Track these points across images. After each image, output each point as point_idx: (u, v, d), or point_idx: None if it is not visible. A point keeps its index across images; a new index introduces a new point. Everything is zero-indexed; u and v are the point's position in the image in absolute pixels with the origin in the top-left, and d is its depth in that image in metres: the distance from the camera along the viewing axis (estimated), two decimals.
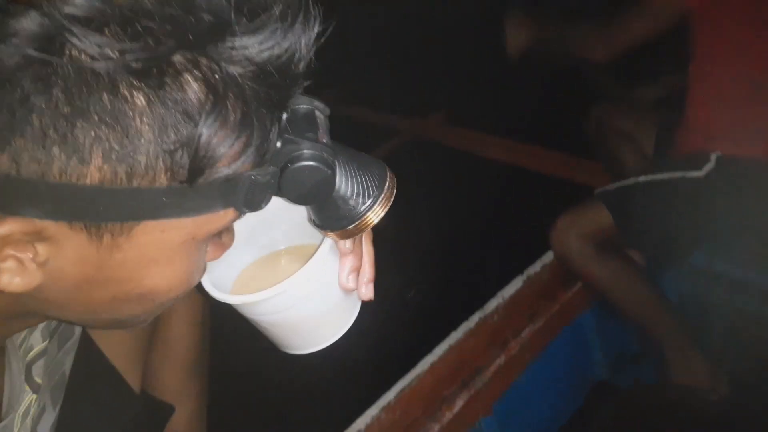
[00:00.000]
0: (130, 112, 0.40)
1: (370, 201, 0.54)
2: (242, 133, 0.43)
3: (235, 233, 0.59)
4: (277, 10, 0.42)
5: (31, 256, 0.45)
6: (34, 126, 0.39)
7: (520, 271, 1.60)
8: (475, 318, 1.49)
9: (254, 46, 0.41)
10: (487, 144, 2.43)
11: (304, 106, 0.51)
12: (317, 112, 0.52)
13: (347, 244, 0.59)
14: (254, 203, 0.48)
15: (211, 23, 0.40)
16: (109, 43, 0.38)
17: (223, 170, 0.44)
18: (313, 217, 0.57)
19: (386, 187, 0.55)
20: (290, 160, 0.48)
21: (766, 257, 1.61)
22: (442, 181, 2.27)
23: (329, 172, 0.50)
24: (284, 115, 0.49)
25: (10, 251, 0.44)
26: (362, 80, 2.78)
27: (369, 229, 0.57)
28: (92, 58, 0.39)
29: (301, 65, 0.45)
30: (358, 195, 0.54)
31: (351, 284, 0.60)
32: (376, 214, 0.55)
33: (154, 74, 0.40)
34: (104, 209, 0.43)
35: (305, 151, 0.49)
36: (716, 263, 1.70)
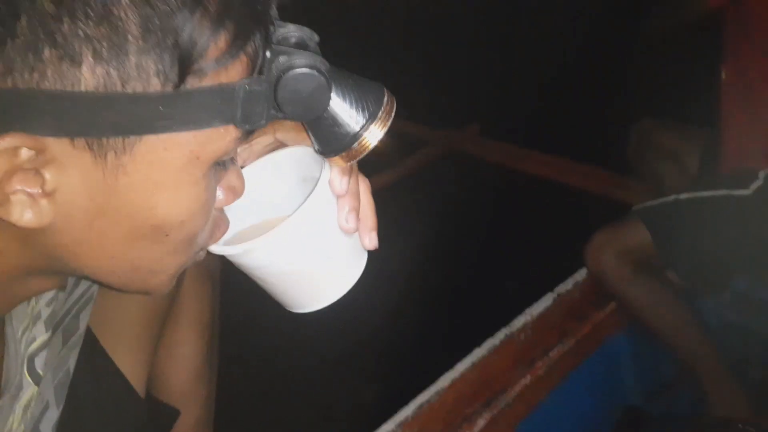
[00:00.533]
0: (115, 9, 0.40)
1: (368, 117, 0.53)
2: (223, 25, 0.43)
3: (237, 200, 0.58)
4: None
5: (39, 188, 0.45)
6: (23, 29, 0.40)
7: (551, 289, 1.55)
8: (500, 335, 1.44)
9: None
10: (523, 157, 2.39)
11: (294, 32, 0.52)
12: (305, 36, 0.52)
13: (342, 184, 0.58)
14: (253, 117, 0.48)
15: None
16: None
17: (214, 77, 0.45)
18: (315, 145, 0.56)
19: (384, 103, 0.55)
20: (284, 69, 0.48)
21: None
22: (475, 194, 2.24)
23: (324, 79, 0.50)
24: (271, 30, 0.49)
25: (18, 184, 0.44)
26: (398, 90, 2.75)
27: (366, 157, 0.57)
28: None
29: None
30: (356, 111, 0.53)
31: (351, 224, 0.59)
32: (375, 131, 0.54)
33: None
34: (104, 120, 0.43)
35: (298, 59, 0.49)
36: (759, 288, 1.63)
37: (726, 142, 1.58)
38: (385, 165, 2.43)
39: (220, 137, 0.47)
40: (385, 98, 0.55)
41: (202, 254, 0.59)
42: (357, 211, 0.60)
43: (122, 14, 0.41)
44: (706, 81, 1.67)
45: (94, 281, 0.67)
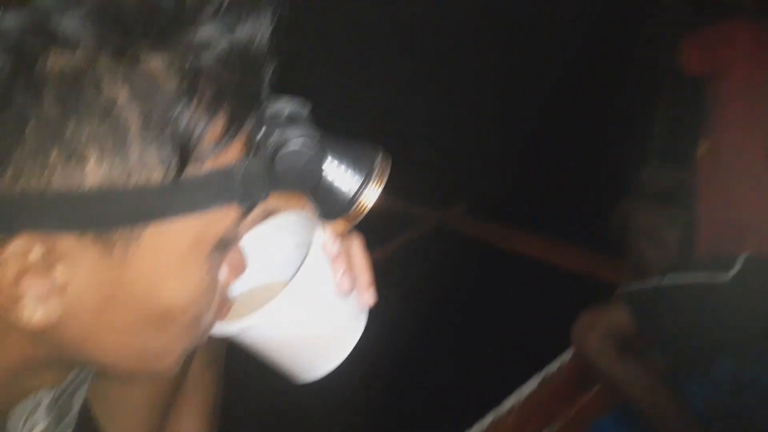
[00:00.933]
0: (116, 106, 0.42)
1: (363, 179, 0.55)
2: (219, 111, 0.45)
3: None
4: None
5: (49, 286, 0.45)
6: (30, 134, 0.42)
7: (538, 370, 1.55)
8: (489, 418, 1.44)
9: (218, 34, 0.45)
10: (509, 237, 2.42)
11: (284, 104, 0.54)
12: (298, 107, 0.54)
13: (334, 247, 0.59)
14: (253, 194, 0.49)
15: (176, 15, 0.44)
16: (86, 28, 0.41)
17: (213, 160, 0.46)
18: (317, 210, 0.58)
19: (378, 163, 0.56)
20: (279, 145, 0.51)
21: None
22: (462, 272, 2.25)
23: (317, 150, 0.52)
24: (263, 107, 0.51)
25: (28, 284, 0.45)
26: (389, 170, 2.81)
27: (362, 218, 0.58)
28: (72, 46, 0.42)
29: (264, 49, 0.47)
30: (351, 174, 0.55)
31: (346, 285, 0.59)
32: (372, 192, 0.55)
33: (130, 63, 0.43)
34: (110, 213, 0.44)
35: (292, 134, 0.51)
36: (745, 371, 1.64)
37: (701, 226, 1.61)
38: (373, 243, 2.45)
39: (222, 218, 0.48)
40: (379, 158, 0.57)
41: (205, 337, 0.59)
42: (351, 271, 0.60)
43: (124, 111, 0.42)
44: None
45: (99, 372, 0.66)
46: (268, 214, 0.65)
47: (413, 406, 1.73)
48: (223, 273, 0.55)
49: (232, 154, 0.47)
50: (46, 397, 0.69)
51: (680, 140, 1.91)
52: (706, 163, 1.61)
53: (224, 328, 0.57)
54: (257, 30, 0.46)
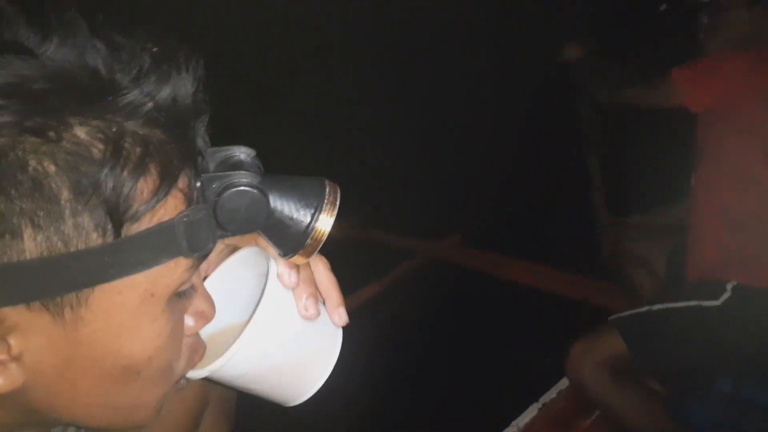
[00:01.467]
0: (44, 180, 0.43)
1: (313, 211, 0.56)
2: (147, 170, 0.46)
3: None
4: (150, 62, 0.47)
5: (6, 355, 0.46)
6: None
7: (536, 398, 1.56)
8: None
9: (140, 99, 0.46)
10: (503, 266, 2.44)
11: (230, 153, 0.56)
12: (242, 155, 0.56)
13: (291, 277, 0.60)
14: (198, 245, 0.50)
15: (93, 86, 0.45)
16: (7, 105, 0.43)
17: (151, 218, 0.47)
18: (275, 249, 0.59)
19: (327, 194, 0.57)
20: (218, 193, 0.52)
21: None
22: (458, 303, 2.27)
23: (257, 191, 0.53)
24: (201, 159, 0.52)
25: None
26: (380, 204, 2.86)
27: (321, 247, 0.59)
28: None
29: (189, 106, 0.49)
30: (300, 209, 0.56)
31: (311, 311, 0.60)
32: (324, 223, 0.56)
33: (52, 137, 0.44)
34: (53, 281, 0.45)
35: (230, 180, 0.52)
36: (743, 389, 1.64)
37: (691, 255, 1.63)
38: (370, 276, 2.47)
39: (171, 271, 0.49)
40: (327, 189, 0.58)
41: (184, 382, 0.60)
42: (315, 296, 0.61)
43: (52, 184, 0.43)
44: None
45: (78, 427, 0.66)
46: (231, 250, 0.66)
47: None
48: (189, 321, 0.56)
49: (171, 208, 0.48)
50: None
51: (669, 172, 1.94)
52: (696, 196, 1.62)
53: (196, 372, 0.58)
54: (179, 89, 0.48)
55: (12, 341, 0.46)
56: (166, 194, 0.47)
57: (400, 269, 2.58)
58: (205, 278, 0.64)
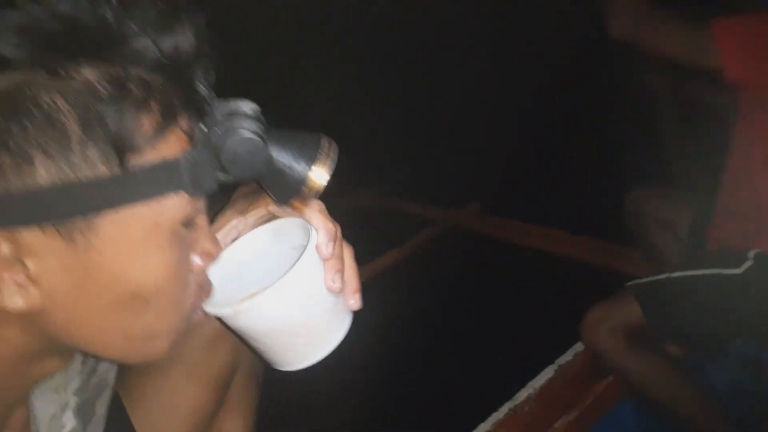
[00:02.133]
0: (56, 114, 0.48)
1: (310, 162, 0.60)
2: (148, 106, 0.51)
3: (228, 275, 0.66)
4: (155, 14, 0.51)
5: (23, 276, 0.51)
6: None
7: (552, 361, 1.57)
8: (504, 409, 1.46)
9: (144, 46, 0.51)
10: (523, 232, 2.44)
11: (232, 104, 0.59)
12: (247, 108, 0.60)
13: (329, 248, 0.63)
14: (201, 183, 0.54)
15: (101, 31, 0.50)
16: (18, 49, 0.48)
17: (155, 154, 0.51)
18: (272, 197, 0.63)
19: (322, 147, 0.61)
20: (223, 137, 0.56)
21: None
22: (477, 269, 2.28)
23: (259, 140, 0.57)
24: (208, 106, 0.56)
25: (4, 274, 0.50)
26: (400, 173, 2.87)
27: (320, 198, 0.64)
28: (7, 67, 0.48)
29: (190, 54, 0.53)
30: (298, 160, 0.60)
31: (337, 284, 0.64)
32: (319, 173, 0.60)
33: (63, 75, 0.48)
34: (63, 206, 0.49)
35: (235, 127, 0.56)
36: (764, 352, 1.64)
37: (716, 221, 1.61)
38: (391, 245, 2.50)
39: (175, 204, 0.53)
40: (323, 142, 0.62)
41: (196, 317, 0.63)
42: (342, 273, 0.65)
43: (63, 117, 0.48)
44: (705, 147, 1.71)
45: (96, 357, 0.70)
46: (270, 218, 0.69)
47: (431, 398, 1.77)
48: (196, 259, 0.60)
49: (174, 147, 0.52)
50: (72, 400, 0.74)
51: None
52: (728, 171, 1.59)
53: (219, 310, 0.62)
54: (181, 40, 0.52)
55: (29, 263, 0.51)
56: (166, 131, 0.52)
57: (420, 237, 2.59)
58: (236, 238, 0.69)
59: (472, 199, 2.81)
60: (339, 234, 0.65)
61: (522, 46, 3.56)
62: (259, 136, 0.57)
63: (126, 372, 0.86)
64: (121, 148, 0.50)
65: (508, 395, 1.49)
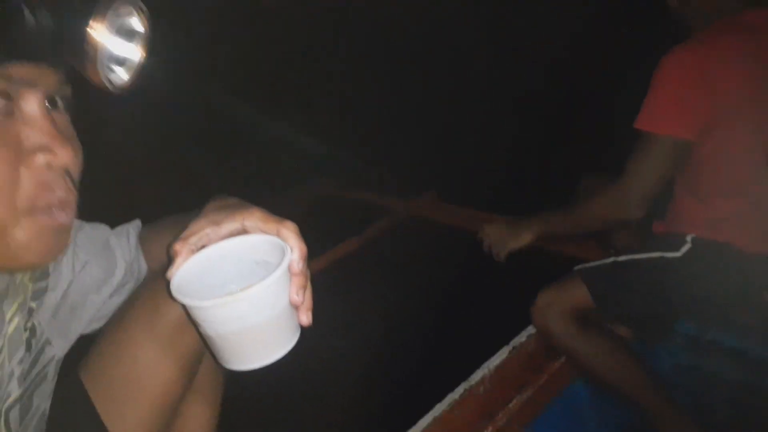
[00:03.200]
0: None
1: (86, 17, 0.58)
2: None
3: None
4: None
5: None
6: None
7: (506, 342, 1.61)
8: (460, 389, 1.49)
9: None
10: (477, 219, 2.47)
11: None
12: None
13: (300, 265, 0.70)
14: None
15: None
16: None
17: None
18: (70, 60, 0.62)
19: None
20: None
21: (754, 328, 1.62)
22: (433, 255, 2.32)
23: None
24: None
25: None
26: (359, 162, 2.89)
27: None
28: None
29: None
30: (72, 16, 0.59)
31: (299, 298, 0.70)
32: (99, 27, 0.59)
33: None
34: None
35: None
36: (706, 333, 1.71)
37: (672, 210, 1.68)
38: (350, 233, 2.51)
39: None
40: None
41: (51, 219, 0.64)
42: (305, 289, 0.71)
43: None
44: None
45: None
46: (242, 231, 0.73)
47: (389, 380, 1.80)
48: (40, 157, 0.61)
49: None
50: (16, 369, 0.75)
51: None
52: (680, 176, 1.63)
53: (198, 302, 0.66)
54: None
55: None
56: None
57: (377, 225, 2.62)
58: (203, 247, 0.73)
59: (428, 188, 2.84)
60: (307, 254, 0.71)
61: (481, 37, 3.60)
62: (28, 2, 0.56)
63: (91, 358, 0.86)
64: None
65: (465, 376, 1.52)
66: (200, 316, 0.68)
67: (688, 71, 1.48)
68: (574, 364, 1.62)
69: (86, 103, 0.70)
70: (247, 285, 0.66)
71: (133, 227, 0.97)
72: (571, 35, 3.16)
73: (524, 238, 1.77)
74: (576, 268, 1.62)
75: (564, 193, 2.07)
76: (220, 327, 0.67)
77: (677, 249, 1.57)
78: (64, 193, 0.65)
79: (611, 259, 1.61)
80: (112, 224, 0.96)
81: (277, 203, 2.74)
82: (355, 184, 2.93)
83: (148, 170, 2.68)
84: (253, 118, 3.08)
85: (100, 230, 0.93)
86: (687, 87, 1.48)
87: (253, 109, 3.15)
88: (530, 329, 1.65)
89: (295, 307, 0.71)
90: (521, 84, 3.25)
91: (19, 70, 0.59)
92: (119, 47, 0.62)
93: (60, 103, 0.66)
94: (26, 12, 0.55)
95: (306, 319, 0.72)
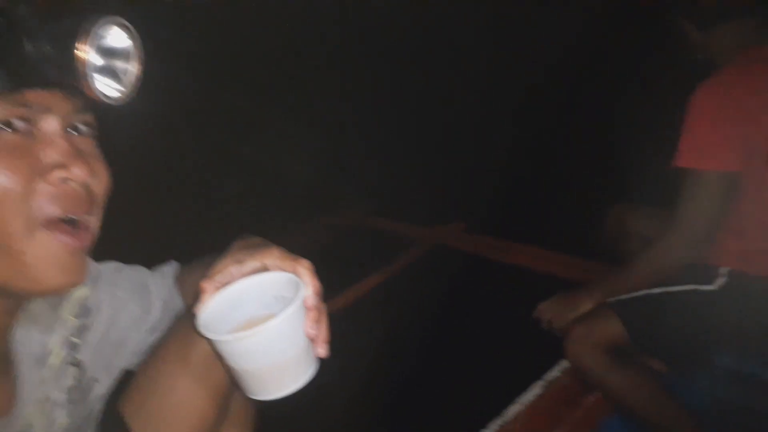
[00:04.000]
0: None
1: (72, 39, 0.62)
2: None
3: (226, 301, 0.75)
4: None
5: None
6: None
7: (539, 377, 1.59)
8: (494, 426, 1.48)
9: None
10: (506, 250, 2.47)
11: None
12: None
13: (314, 300, 0.74)
14: None
15: None
16: None
17: None
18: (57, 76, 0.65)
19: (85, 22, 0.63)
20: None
21: None
22: (462, 287, 2.30)
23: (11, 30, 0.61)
24: None
25: None
26: (383, 193, 2.90)
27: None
28: None
29: None
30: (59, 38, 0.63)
31: (314, 331, 0.73)
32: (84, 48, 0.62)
33: None
34: None
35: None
36: (744, 366, 1.67)
37: None
38: (376, 265, 2.52)
39: None
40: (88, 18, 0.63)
41: (76, 236, 0.67)
42: (319, 323, 0.74)
43: None
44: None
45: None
46: (263, 269, 0.78)
47: (421, 417, 1.78)
48: (58, 172, 0.65)
49: None
50: (62, 397, 0.80)
51: None
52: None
53: (221, 336, 0.71)
54: None
55: None
56: None
57: (405, 257, 2.61)
58: (228, 284, 0.77)
59: (456, 218, 2.84)
60: (321, 291, 0.75)
61: (506, 66, 3.62)
62: (29, 33, 0.61)
63: (130, 391, 0.89)
64: None
65: (497, 412, 1.50)
66: (223, 350, 0.72)
67: (723, 102, 1.47)
68: (609, 397, 1.59)
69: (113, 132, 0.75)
70: (266, 317, 0.70)
71: (170, 267, 1.02)
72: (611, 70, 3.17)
73: (583, 307, 1.67)
74: (608, 301, 1.61)
75: (594, 222, 2.06)
76: (240, 359, 0.72)
77: (711, 282, 1.55)
78: (80, 207, 0.68)
79: (643, 292, 1.59)
80: (135, 252, 1.00)
81: (304, 231, 2.76)
82: (382, 213, 2.94)
83: (175, 205, 2.71)
84: (280, 146, 3.12)
85: (138, 271, 0.97)
86: (724, 118, 1.47)
87: (280, 138, 3.19)
88: (563, 363, 1.63)
89: (312, 340, 0.74)
90: (549, 115, 3.26)
91: (35, 96, 0.64)
92: (108, 63, 0.66)
93: (82, 128, 0.71)
94: (25, 41, 0.61)
95: (322, 351, 0.75)
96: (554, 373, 1.61)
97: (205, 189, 2.92)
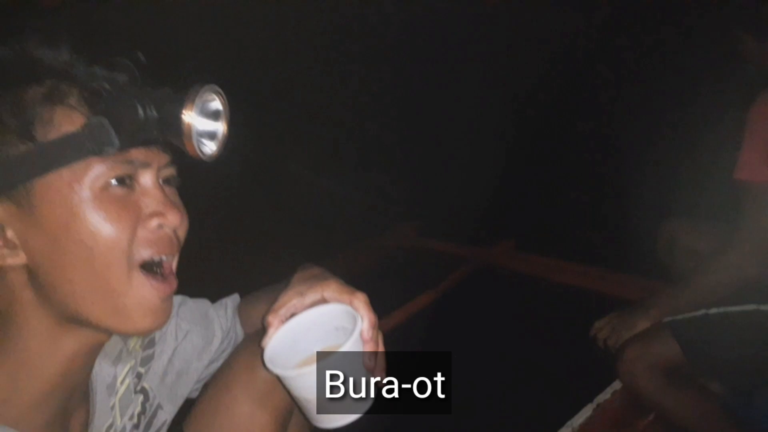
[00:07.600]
0: None
1: (181, 107, 0.68)
2: (46, 102, 0.67)
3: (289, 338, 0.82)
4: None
5: (7, 241, 0.67)
6: None
7: (590, 399, 1.57)
8: None
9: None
10: (557, 269, 2.44)
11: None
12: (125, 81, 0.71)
13: (371, 333, 0.79)
14: (101, 145, 0.66)
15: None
16: None
17: (59, 131, 0.66)
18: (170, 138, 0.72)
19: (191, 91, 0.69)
20: (110, 107, 0.68)
21: None
22: (512, 307, 2.29)
23: (132, 100, 0.68)
24: (96, 91, 0.68)
25: None
26: (432, 213, 2.91)
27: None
28: None
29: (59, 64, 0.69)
30: (170, 104, 0.69)
31: (372, 362, 0.79)
32: (190, 115, 0.69)
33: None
34: (3, 180, 0.66)
35: (117, 98, 0.68)
36: None
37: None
38: (425, 284, 2.52)
39: (86, 165, 0.67)
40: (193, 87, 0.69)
41: (167, 280, 0.74)
42: (376, 354, 0.79)
43: None
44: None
45: (90, 323, 0.76)
46: (322, 301, 0.84)
47: None
48: (154, 221, 0.72)
49: (74, 124, 0.67)
50: (128, 425, 0.86)
51: None
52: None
53: (281, 370, 0.77)
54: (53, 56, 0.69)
55: (7, 231, 0.67)
56: (50, 108, 0.67)
57: (454, 276, 2.61)
58: (293, 315, 0.85)
59: (505, 237, 2.82)
60: (376, 322, 0.80)
61: (552, 87, 3.60)
62: (133, 98, 0.68)
63: (194, 415, 0.95)
64: (23, 124, 0.65)
65: None
66: (288, 383, 0.78)
67: None
68: (664, 419, 1.56)
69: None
70: (330, 348, 0.76)
71: (231, 300, 1.09)
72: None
73: (640, 326, 1.63)
74: (665, 321, 1.57)
75: (645, 240, 2.02)
76: (304, 391, 0.77)
77: None
78: (170, 250, 0.75)
79: (702, 312, 1.55)
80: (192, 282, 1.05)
81: (358, 251, 2.78)
82: (429, 233, 2.95)
83: (234, 236, 2.78)
84: (330, 169, 3.17)
85: (200, 303, 1.05)
86: None
87: (332, 161, 3.25)
88: (615, 385, 1.61)
89: (369, 371, 0.79)
90: (600, 133, 3.22)
91: (138, 154, 0.71)
92: (207, 125, 0.73)
93: (171, 180, 0.78)
94: (138, 108, 0.67)
95: (380, 380, 0.80)
96: (605, 395, 1.58)
97: (260, 221, 2.98)
